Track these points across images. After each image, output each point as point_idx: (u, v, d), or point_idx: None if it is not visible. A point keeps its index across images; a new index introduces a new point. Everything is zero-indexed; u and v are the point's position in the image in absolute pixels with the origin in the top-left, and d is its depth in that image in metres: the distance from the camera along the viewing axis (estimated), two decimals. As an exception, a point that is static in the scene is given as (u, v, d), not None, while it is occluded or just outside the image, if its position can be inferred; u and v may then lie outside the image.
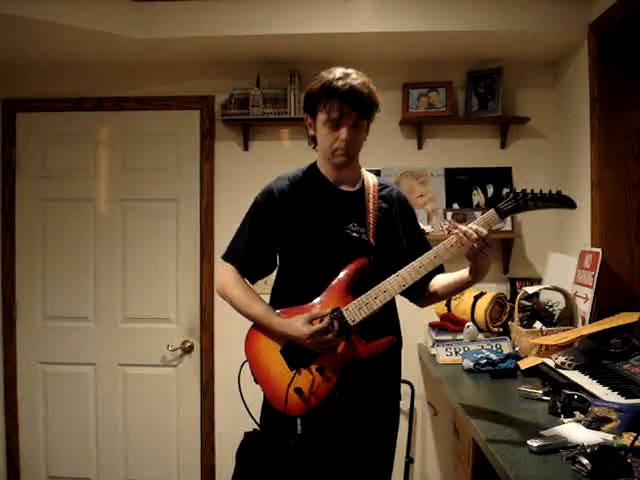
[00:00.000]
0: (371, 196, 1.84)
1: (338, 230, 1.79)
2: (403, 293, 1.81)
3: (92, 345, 3.28)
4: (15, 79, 3.27)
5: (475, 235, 1.62)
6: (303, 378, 1.72)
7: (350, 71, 1.77)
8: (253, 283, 1.89)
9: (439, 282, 1.88)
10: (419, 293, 1.89)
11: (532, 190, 1.66)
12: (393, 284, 1.70)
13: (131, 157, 3.28)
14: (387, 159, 3.17)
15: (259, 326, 1.81)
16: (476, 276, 1.75)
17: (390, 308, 1.84)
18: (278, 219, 1.82)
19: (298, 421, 1.70)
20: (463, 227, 1.65)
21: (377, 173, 2.02)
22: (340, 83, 1.73)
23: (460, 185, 3.19)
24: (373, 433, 1.82)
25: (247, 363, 1.82)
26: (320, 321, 1.69)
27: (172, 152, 3.28)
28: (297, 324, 1.70)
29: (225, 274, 1.89)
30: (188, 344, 3.25)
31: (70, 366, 3.29)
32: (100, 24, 2.70)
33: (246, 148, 3.25)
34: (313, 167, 1.89)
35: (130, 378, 3.28)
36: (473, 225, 1.65)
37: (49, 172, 3.29)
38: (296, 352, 1.73)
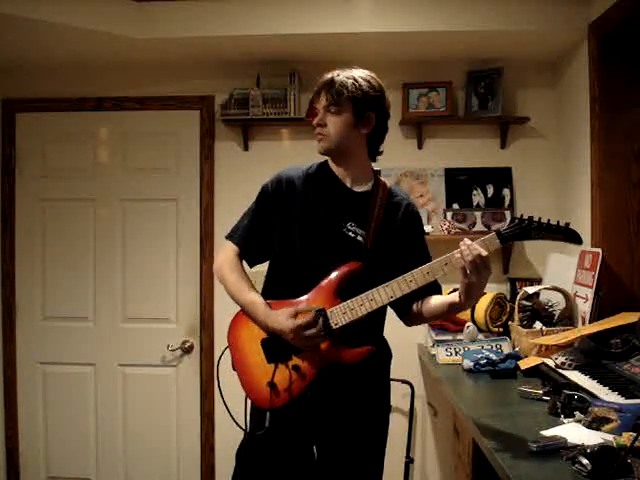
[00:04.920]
0: (379, 201, 1.82)
1: (335, 226, 1.79)
2: (392, 306, 1.80)
3: (92, 345, 3.28)
4: (15, 79, 3.26)
5: (478, 251, 1.58)
6: (279, 373, 1.71)
7: (350, 69, 1.79)
8: (251, 267, 1.89)
9: (429, 302, 1.81)
10: (407, 309, 1.84)
11: (540, 219, 1.61)
12: (381, 293, 1.67)
13: (131, 157, 3.28)
14: (387, 159, 3.09)
15: (246, 313, 1.81)
16: (467, 298, 1.66)
17: (377, 318, 1.81)
18: (281, 206, 1.82)
19: (267, 414, 1.70)
20: (469, 241, 1.60)
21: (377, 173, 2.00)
22: (324, 78, 1.78)
23: (460, 185, 3.20)
24: (348, 439, 1.79)
25: (228, 350, 1.82)
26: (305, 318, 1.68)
27: (172, 152, 3.28)
28: (281, 317, 1.69)
29: (224, 255, 1.88)
30: (188, 344, 3.25)
31: (70, 366, 3.29)
32: (100, 24, 2.70)
33: (246, 148, 3.25)
34: (325, 163, 1.89)
35: (130, 378, 3.28)
36: (479, 242, 1.61)
37: (49, 172, 3.29)
38: (276, 346, 1.73)
